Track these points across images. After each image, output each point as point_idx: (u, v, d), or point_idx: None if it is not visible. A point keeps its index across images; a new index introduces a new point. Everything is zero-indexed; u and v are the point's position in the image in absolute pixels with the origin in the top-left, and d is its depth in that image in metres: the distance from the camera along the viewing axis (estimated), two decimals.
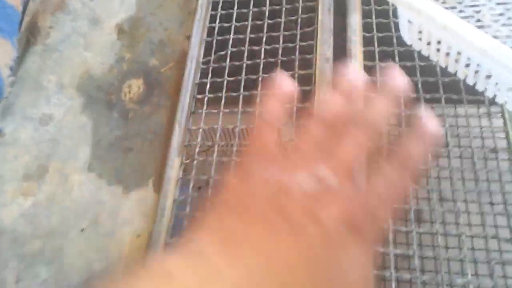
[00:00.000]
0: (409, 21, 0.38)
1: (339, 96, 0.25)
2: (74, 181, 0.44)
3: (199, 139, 0.43)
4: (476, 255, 0.42)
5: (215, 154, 0.42)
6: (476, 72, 0.36)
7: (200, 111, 0.45)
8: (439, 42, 0.37)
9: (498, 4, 0.41)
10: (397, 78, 0.25)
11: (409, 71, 0.42)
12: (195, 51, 0.48)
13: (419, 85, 0.41)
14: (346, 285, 0.21)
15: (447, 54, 0.37)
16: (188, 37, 0.51)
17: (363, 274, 0.22)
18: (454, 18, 0.32)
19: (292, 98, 0.26)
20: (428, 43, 0.39)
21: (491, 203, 0.41)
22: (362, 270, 0.22)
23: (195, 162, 0.42)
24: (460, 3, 0.41)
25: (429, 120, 0.25)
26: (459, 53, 0.36)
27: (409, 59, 0.42)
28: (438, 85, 0.41)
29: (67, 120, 0.47)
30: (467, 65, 0.36)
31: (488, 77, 0.36)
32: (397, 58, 0.43)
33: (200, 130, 0.43)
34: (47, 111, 0.47)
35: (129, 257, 0.39)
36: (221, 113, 0.44)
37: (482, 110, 0.45)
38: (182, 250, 0.20)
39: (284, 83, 0.26)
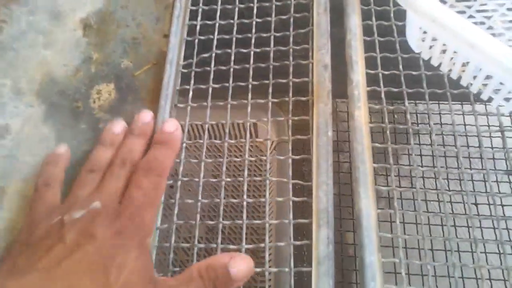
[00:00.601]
0: (421, 29, 0.35)
1: (101, 147, 0.37)
2: None
3: (182, 156, 0.38)
4: None
5: (201, 174, 0.37)
6: (497, 91, 0.33)
7: (182, 122, 0.40)
8: (455, 52, 0.33)
9: (509, 10, 0.37)
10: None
11: (415, 80, 0.39)
12: (175, 52, 0.42)
13: (426, 96, 0.37)
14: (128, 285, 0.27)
15: (463, 65, 0.34)
16: (166, 36, 0.45)
17: (143, 273, 0.28)
18: (483, 35, 0.28)
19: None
20: (442, 52, 0.35)
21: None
22: (142, 270, 0.28)
23: (179, 183, 0.37)
24: (469, 7, 0.38)
25: (165, 123, 0.37)
26: (479, 69, 0.32)
27: (414, 67, 0.39)
28: (446, 96, 0.37)
29: (26, 132, 0.41)
30: (487, 78, 0.33)
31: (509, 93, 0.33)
32: (401, 66, 0.39)
33: (184, 145, 0.38)
34: (2, 121, 0.41)
35: None
36: (207, 125, 0.39)
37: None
38: None
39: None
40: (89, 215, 0.30)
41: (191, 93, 0.40)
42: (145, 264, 0.29)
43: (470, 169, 0.53)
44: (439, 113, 0.62)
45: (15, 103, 0.42)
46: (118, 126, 0.38)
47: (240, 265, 0.30)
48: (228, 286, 0.29)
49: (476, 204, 0.45)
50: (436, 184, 0.58)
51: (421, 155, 0.60)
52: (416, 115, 0.64)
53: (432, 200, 0.58)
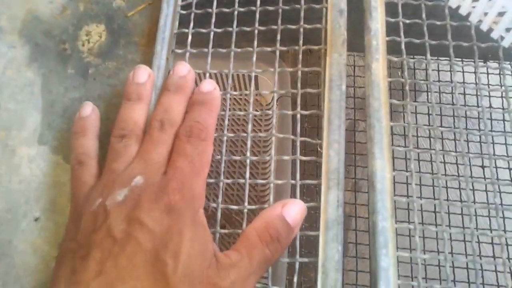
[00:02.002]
0: None
1: (127, 103, 0.32)
2: (22, 156, 0.35)
3: None
4: None
5: None
6: None
7: None
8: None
9: None
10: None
11: (440, 31, 0.35)
12: None
13: (451, 50, 0.34)
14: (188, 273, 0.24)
15: (500, 15, 0.30)
16: None
17: (201, 256, 0.25)
18: None
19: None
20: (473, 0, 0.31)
21: None
22: (199, 252, 0.25)
23: None
24: None
25: (202, 83, 0.32)
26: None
27: (438, 17, 0.35)
28: (473, 49, 0.34)
29: (9, 76, 0.37)
30: None
31: None
32: (423, 15, 0.35)
33: None
34: None
35: None
36: (207, 74, 0.36)
37: None
38: None
39: None
40: (132, 195, 0.26)
41: (190, 37, 0.36)
42: (201, 243, 0.26)
43: (491, 131, 0.51)
44: (462, 71, 0.58)
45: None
46: (142, 73, 0.32)
47: (295, 209, 0.28)
48: (291, 236, 0.28)
49: (496, 168, 0.43)
50: (456, 147, 0.55)
51: (441, 115, 0.56)
52: (438, 72, 0.61)
53: (450, 163, 0.55)
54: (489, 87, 0.50)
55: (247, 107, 0.69)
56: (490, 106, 0.52)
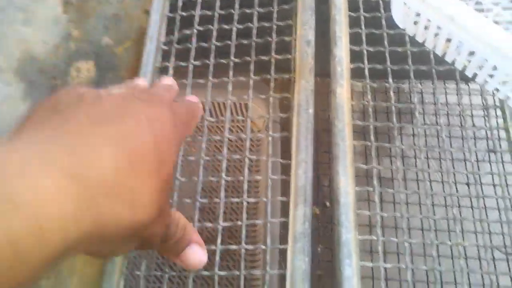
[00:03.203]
0: (405, 4, 0.34)
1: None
2: None
3: None
4: None
5: (180, 152, 0.36)
6: (480, 67, 0.32)
7: None
8: (439, 28, 0.32)
9: None
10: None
11: (400, 57, 0.38)
12: (155, 29, 0.41)
13: (411, 74, 0.36)
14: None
15: (448, 41, 0.33)
16: (147, 12, 0.44)
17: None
18: (464, 8, 0.27)
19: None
20: (425, 28, 0.34)
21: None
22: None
23: None
24: None
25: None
26: (460, 42, 0.31)
27: (399, 43, 0.38)
28: (431, 73, 0.36)
29: (5, 111, 0.40)
30: (471, 54, 0.32)
31: (494, 69, 0.32)
32: (386, 42, 0.38)
33: None
34: None
35: None
36: None
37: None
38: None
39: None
40: (129, 92, 0.27)
41: (171, 70, 0.39)
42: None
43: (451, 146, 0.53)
44: (421, 92, 0.60)
45: None
46: (141, 80, 0.33)
47: (194, 255, 0.29)
48: (175, 255, 0.29)
49: (455, 183, 0.45)
50: (416, 164, 0.57)
51: (413, 135, 0.58)
52: (411, 94, 0.63)
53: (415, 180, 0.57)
54: (447, 106, 0.53)
55: (242, 132, 0.72)
56: (449, 124, 0.55)
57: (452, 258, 0.46)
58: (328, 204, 0.71)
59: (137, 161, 0.23)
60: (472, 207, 0.34)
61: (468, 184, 0.44)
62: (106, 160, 0.21)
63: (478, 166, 0.46)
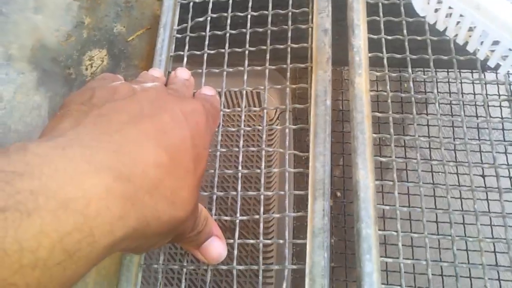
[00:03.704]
0: None
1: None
2: None
3: None
4: None
5: None
6: (504, 58, 0.31)
7: None
8: (461, 16, 0.31)
9: None
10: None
11: (420, 45, 0.37)
12: (169, 16, 0.40)
13: (431, 63, 0.35)
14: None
15: (470, 30, 0.32)
16: None
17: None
18: None
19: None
20: (447, 16, 0.33)
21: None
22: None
23: None
24: None
25: (202, 88, 0.33)
26: (484, 32, 0.30)
27: (419, 32, 0.37)
28: (452, 62, 0.35)
29: (19, 100, 0.40)
30: (494, 44, 0.31)
31: None
32: (405, 31, 0.37)
33: None
34: None
35: None
36: None
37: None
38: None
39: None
40: (162, 88, 0.27)
41: (185, 59, 0.39)
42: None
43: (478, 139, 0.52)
44: (448, 81, 0.59)
45: (6, 69, 0.40)
46: (157, 71, 0.33)
47: (215, 249, 0.29)
48: (195, 248, 0.29)
49: (483, 176, 0.44)
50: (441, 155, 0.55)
51: (428, 125, 0.57)
52: (424, 84, 0.62)
53: (438, 172, 0.56)
54: (475, 97, 0.52)
55: (252, 123, 0.71)
56: (477, 115, 0.54)
57: (466, 251, 0.46)
58: (339, 194, 0.71)
59: (177, 157, 0.23)
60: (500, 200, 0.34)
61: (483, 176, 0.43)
62: (149, 157, 0.21)
63: (507, 159, 0.45)
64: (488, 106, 0.33)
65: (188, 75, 0.33)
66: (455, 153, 0.52)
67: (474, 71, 0.43)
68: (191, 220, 0.25)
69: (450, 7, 0.32)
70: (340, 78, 0.73)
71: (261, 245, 0.31)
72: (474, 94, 0.58)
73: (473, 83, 0.55)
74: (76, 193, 0.18)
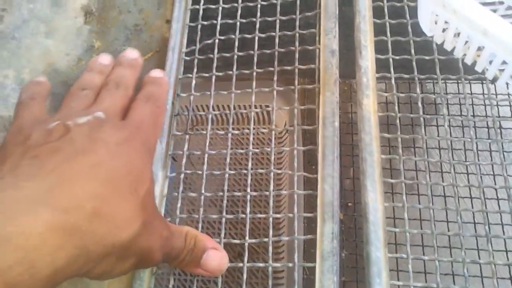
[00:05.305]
0: (433, 12, 0.32)
1: (89, 73, 0.34)
2: None
3: (185, 147, 0.37)
4: None
5: (205, 166, 0.36)
6: None
7: (185, 113, 0.39)
8: (469, 37, 0.31)
9: None
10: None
11: (427, 65, 0.37)
12: (177, 39, 0.41)
13: (439, 82, 0.35)
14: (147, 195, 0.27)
15: (479, 49, 0.32)
16: (168, 21, 0.44)
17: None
18: (496, 21, 0.26)
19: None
20: (455, 36, 0.33)
21: None
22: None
23: (182, 175, 0.36)
24: None
25: (152, 71, 0.35)
26: (492, 54, 0.30)
27: (426, 51, 0.37)
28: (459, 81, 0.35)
29: None
30: (503, 64, 0.31)
31: None
32: (413, 51, 0.37)
33: (187, 137, 0.37)
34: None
35: None
36: (210, 116, 0.38)
37: None
38: None
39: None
40: (95, 121, 0.27)
41: (194, 82, 0.39)
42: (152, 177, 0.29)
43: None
44: (459, 102, 0.58)
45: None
46: (106, 57, 0.35)
47: (213, 260, 0.30)
48: (195, 266, 0.30)
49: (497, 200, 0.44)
50: (452, 178, 0.55)
51: (439, 148, 0.56)
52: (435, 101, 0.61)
53: (448, 196, 0.55)
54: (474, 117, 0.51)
55: (262, 136, 0.72)
56: (476, 137, 0.53)
57: (477, 249, 0.45)
58: (350, 204, 0.71)
59: (113, 186, 0.24)
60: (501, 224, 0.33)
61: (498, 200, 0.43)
62: (83, 191, 0.23)
63: None
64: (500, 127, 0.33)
65: (137, 55, 0.35)
66: (467, 177, 0.51)
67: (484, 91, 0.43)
68: (151, 238, 0.26)
69: (457, 29, 0.32)
70: (349, 90, 0.73)
71: (270, 268, 0.31)
72: (486, 114, 0.57)
73: (484, 103, 0.55)
74: (16, 230, 0.20)
